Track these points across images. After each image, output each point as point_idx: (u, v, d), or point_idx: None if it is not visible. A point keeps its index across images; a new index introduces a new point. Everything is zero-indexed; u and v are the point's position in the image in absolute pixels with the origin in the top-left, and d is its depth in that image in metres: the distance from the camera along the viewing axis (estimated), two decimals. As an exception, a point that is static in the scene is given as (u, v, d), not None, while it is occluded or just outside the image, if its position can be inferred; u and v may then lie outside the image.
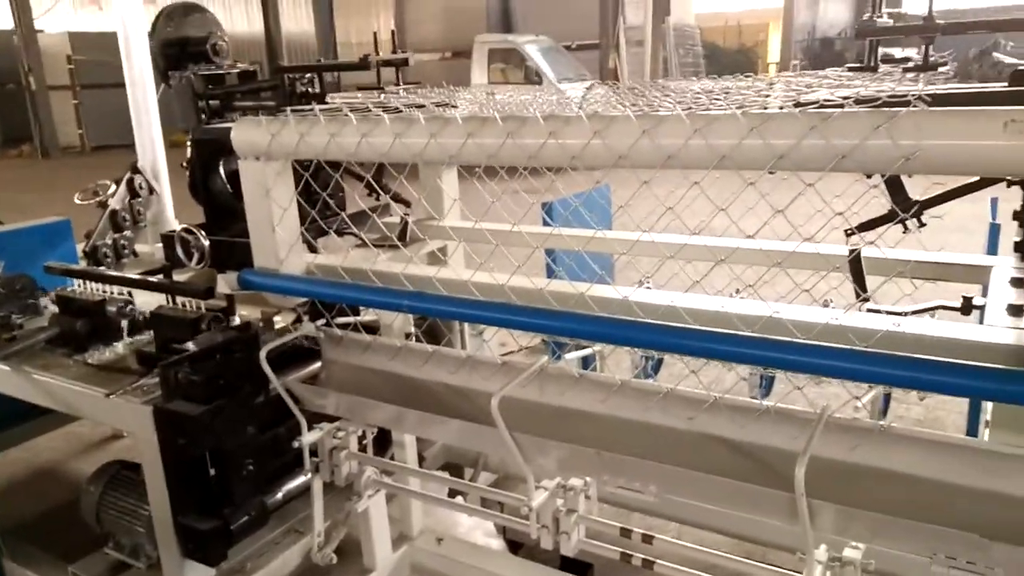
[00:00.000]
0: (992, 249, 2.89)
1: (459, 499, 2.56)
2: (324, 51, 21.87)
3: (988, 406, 2.70)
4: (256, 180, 2.29)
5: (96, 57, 19.89)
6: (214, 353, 2.25)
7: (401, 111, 2.17)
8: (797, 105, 1.54)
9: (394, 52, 2.61)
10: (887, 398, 2.46)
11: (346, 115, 2.10)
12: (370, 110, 2.17)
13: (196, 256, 2.71)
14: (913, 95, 1.45)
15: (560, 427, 1.95)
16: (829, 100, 1.51)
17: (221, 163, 2.85)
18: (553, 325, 1.81)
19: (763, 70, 24.99)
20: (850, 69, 1.81)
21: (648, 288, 3.35)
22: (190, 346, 2.29)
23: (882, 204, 1.93)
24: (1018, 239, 1.78)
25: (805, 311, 1.68)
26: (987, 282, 2.01)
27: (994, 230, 2.90)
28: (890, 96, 1.48)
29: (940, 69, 1.73)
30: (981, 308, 1.83)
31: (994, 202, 3.32)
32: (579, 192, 3.80)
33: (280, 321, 2.65)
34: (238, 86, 2.88)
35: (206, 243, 2.70)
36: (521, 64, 15.07)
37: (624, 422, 1.88)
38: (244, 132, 2.28)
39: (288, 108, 2.28)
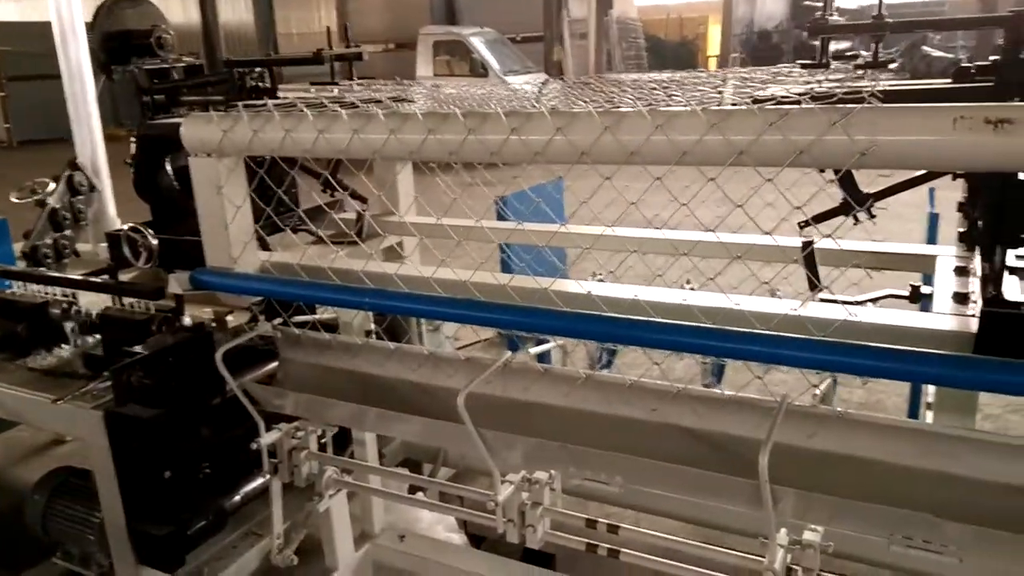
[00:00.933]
0: (932, 238, 3.00)
1: (421, 495, 2.56)
2: (264, 43, 21.43)
3: (929, 389, 2.82)
4: (207, 177, 2.24)
5: (21, 48, 19.08)
6: (167, 355, 2.19)
7: (358, 106, 2.15)
8: (755, 101, 1.57)
9: (347, 46, 2.58)
10: (833, 383, 2.54)
11: (301, 111, 2.06)
12: (325, 105, 2.15)
13: (144, 255, 2.63)
14: (867, 92, 1.50)
15: (525, 421, 1.96)
16: (786, 96, 1.55)
17: (168, 159, 2.78)
18: (519, 320, 1.81)
19: (704, 63, 25.40)
20: (803, 66, 1.86)
21: (602, 281, 3.40)
22: (141, 348, 2.23)
23: (832, 196, 1.99)
24: (962, 229, 1.85)
25: (765, 303, 1.72)
26: (932, 271, 2.09)
27: (933, 219, 3.01)
28: (845, 93, 1.52)
29: (890, 66, 1.80)
30: (928, 296, 1.89)
31: (931, 192, 3.45)
32: (533, 186, 3.83)
33: (233, 321, 2.60)
34: (185, 80, 2.80)
35: (154, 242, 2.62)
36: (467, 56, 15.01)
37: (588, 415, 1.90)
38: (194, 128, 2.22)
39: (240, 103, 2.23)
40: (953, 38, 24.65)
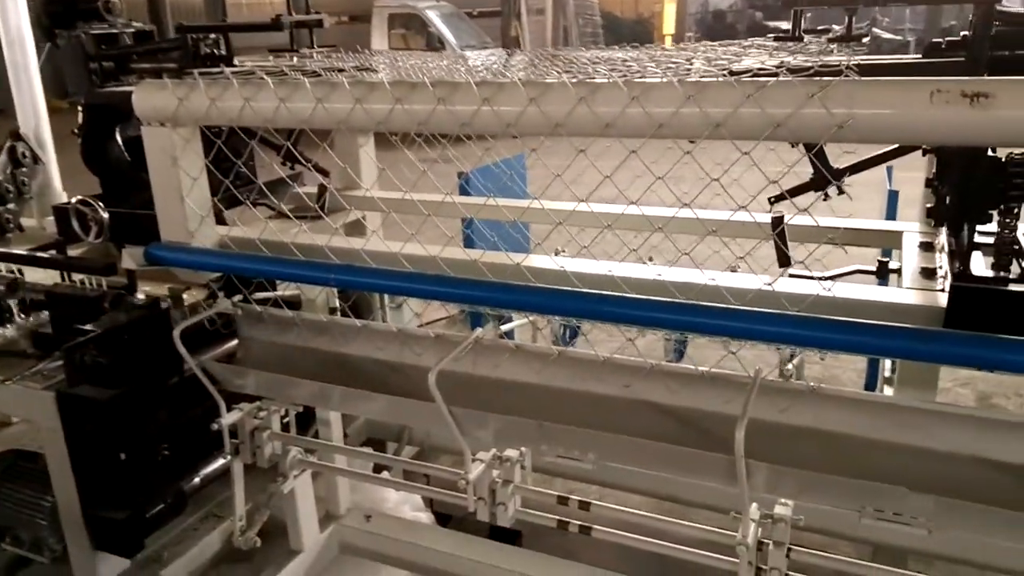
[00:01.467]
0: (891, 216, 3.03)
1: (387, 475, 2.52)
2: (212, 12, 20.74)
3: (886, 364, 2.87)
4: (162, 148, 2.14)
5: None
6: (122, 333, 2.11)
7: (320, 75, 2.07)
8: (732, 74, 1.55)
9: (307, 12, 2.48)
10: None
11: (261, 78, 1.98)
12: (286, 74, 2.07)
13: (94, 230, 2.52)
14: (844, 65, 1.49)
15: (496, 399, 1.93)
16: (763, 69, 1.53)
17: (118, 129, 2.66)
18: (492, 296, 1.78)
19: (659, 41, 25.46)
20: (776, 38, 1.84)
21: (564, 255, 3.38)
22: (94, 327, 2.14)
23: (797, 175, 1.98)
24: (930, 205, 1.87)
25: (738, 278, 1.71)
26: (898, 246, 2.12)
27: (893, 197, 3.05)
28: (822, 66, 1.51)
29: (863, 40, 1.79)
30: (896, 271, 1.91)
31: (889, 170, 3.49)
32: (496, 161, 3.77)
33: (190, 298, 2.51)
34: (135, 47, 2.68)
35: (105, 215, 2.51)
36: (423, 30, 14.78)
37: (561, 392, 1.88)
38: (147, 96, 2.12)
39: (195, 71, 2.14)
40: (902, 20, 25.13)
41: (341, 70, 2.35)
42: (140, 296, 2.42)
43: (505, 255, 1.92)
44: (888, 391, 2.65)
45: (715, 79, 1.54)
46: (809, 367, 4.62)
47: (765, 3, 30.75)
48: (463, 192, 3.78)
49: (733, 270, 2.80)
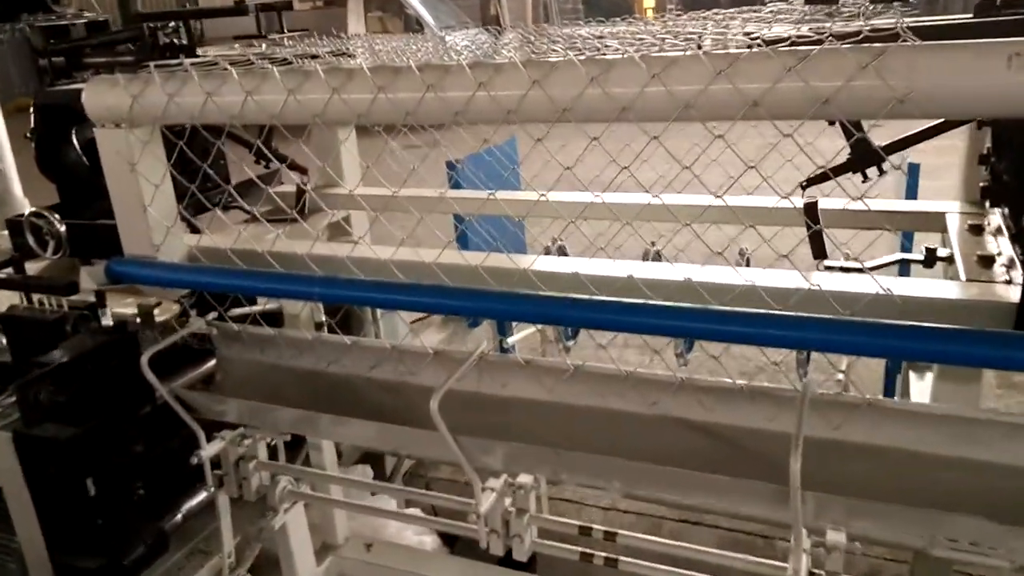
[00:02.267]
0: (912, 192, 2.82)
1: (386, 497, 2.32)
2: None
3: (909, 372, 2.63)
4: (117, 152, 1.91)
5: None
6: (84, 363, 1.89)
7: (291, 63, 1.85)
8: (767, 43, 1.33)
9: (275, -5, 2.25)
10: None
11: (225, 69, 1.75)
12: (252, 63, 1.84)
13: (51, 244, 2.29)
14: (899, 27, 1.28)
15: (504, 420, 1.73)
16: (802, 37, 1.32)
17: (74, 131, 2.43)
18: (498, 308, 1.57)
19: (640, 13, 25.10)
20: (807, 2, 1.63)
21: (562, 247, 3.16)
22: (55, 355, 1.91)
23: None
24: (984, 184, 1.67)
25: (777, 276, 1.51)
26: (940, 229, 1.92)
27: (913, 171, 2.84)
28: (872, 31, 1.30)
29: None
30: (946, 259, 1.71)
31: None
32: (487, 148, 3.54)
33: (161, 314, 2.29)
34: (87, 39, 2.43)
35: (62, 228, 2.28)
36: (400, 12, 14.39)
37: (579, 410, 1.68)
38: (98, 94, 1.89)
39: (151, 63, 1.90)
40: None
41: (315, 56, 2.13)
42: (107, 317, 2.20)
43: (509, 258, 1.71)
44: (918, 392, 2.44)
45: (748, 50, 1.32)
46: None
47: (746, -30, 30.48)
48: (454, 183, 3.56)
49: (741, 254, 2.60)
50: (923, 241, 2.14)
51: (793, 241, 1.69)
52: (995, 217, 1.75)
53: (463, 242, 3.36)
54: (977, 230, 1.79)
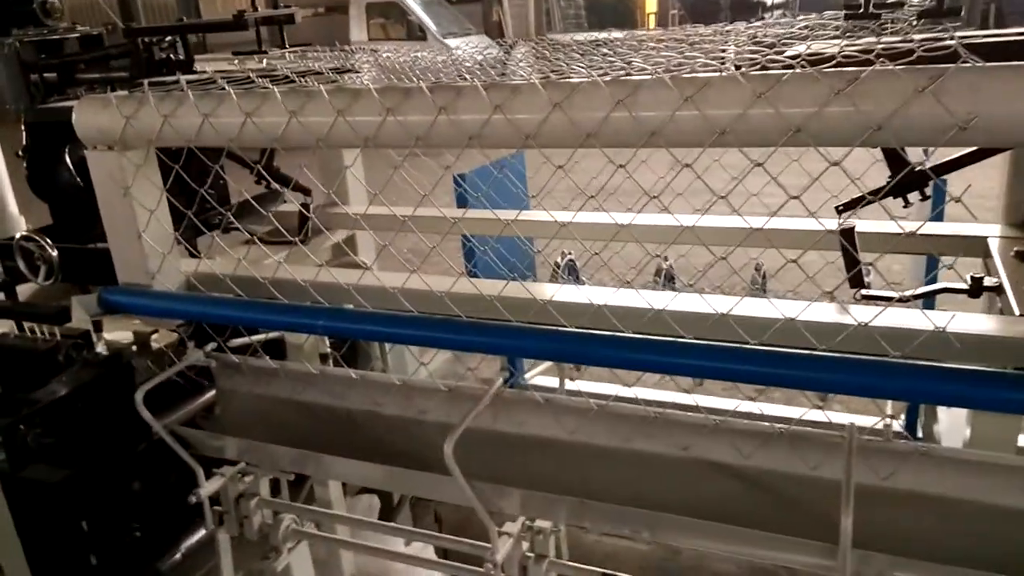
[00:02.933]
0: (938, 214, 2.70)
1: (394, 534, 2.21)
2: (185, 8, 20.19)
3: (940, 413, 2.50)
4: (110, 175, 1.81)
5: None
6: (76, 400, 1.78)
7: (293, 81, 1.74)
8: (812, 63, 1.23)
9: (275, 6, 2.14)
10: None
11: (223, 88, 1.65)
12: (253, 80, 1.74)
13: (43, 270, 2.18)
14: (958, 45, 1.17)
15: (522, 460, 1.62)
16: (851, 56, 1.21)
17: (67, 150, 2.33)
18: (515, 345, 1.47)
19: (643, 21, 25.01)
20: (847, 16, 1.52)
21: (572, 263, 3.04)
22: (45, 392, 1.81)
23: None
24: (1034, 208, 1.57)
25: (818, 311, 1.40)
26: (981, 255, 1.81)
27: (939, 192, 2.70)
28: (924, 49, 1.19)
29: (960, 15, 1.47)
30: (993, 289, 1.60)
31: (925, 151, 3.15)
32: (495, 161, 3.44)
33: (159, 342, 2.18)
34: (80, 54, 2.33)
35: (54, 253, 2.18)
36: (402, 19, 14.30)
37: (602, 450, 1.57)
38: (89, 114, 1.79)
39: (146, 80, 1.80)
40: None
41: (317, 74, 2.03)
42: (101, 345, 2.09)
43: (525, 287, 1.60)
44: (946, 419, 2.32)
45: (790, 71, 1.21)
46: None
47: (748, -24, 30.38)
48: (460, 197, 3.45)
49: (757, 269, 2.48)
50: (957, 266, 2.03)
51: (819, 264, 1.59)
52: (1045, 243, 1.64)
53: (470, 256, 3.27)
54: (1024, 257, 1.68)
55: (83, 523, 1.77)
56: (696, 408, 1.50)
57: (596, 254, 1.61)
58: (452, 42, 13.16)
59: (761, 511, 1.40)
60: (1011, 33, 1.38)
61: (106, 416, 1.83)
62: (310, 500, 2.25)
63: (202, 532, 2.09)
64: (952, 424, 2.22)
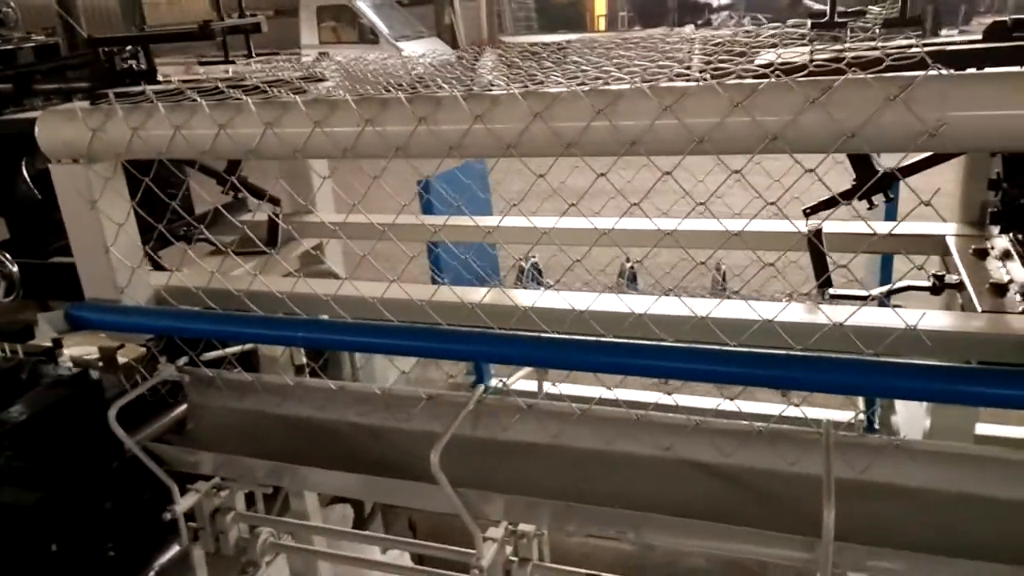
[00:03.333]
0: (892, 213, 2.79)
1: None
2: (130, 14, 19.70)
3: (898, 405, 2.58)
4: (76, 190, 1.77)
5: None
6: (44, 420, 1.74)
7: (264, 91, 1.73)
8: (785, 72, 1.26)
9: (241, 15, 2.12)
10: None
11: (194, 100, 1.63)
12: (223, 91, 1.72)
13: (3, 286, 2.12)
14: (923, 54, 1.22)
15: (506, 465, 1.63)
16: (823, 65, 1.25)
17: (24, 163, 2.27)
18: (496, 352, 1.48)
19: (593, 23, 25.23)
20: (813, 25, 1.57)
21: (536, 266, 3.07)
22: (11, 413, 1.76)
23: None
24: (994, 209, 1.63)
25: (793, 311, 1.45)
26: (941, 253, 1.88)
27: (895, 190, 2.78)
28: (894, 59, 1.24)
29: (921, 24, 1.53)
30: (955, 287, 1.67)
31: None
32: (459, 166, 3.45)
33: (125, 357, 2.14)
34: (37, 64, 2.27)
35: (14, 268, 2.12)
36: (354, 22, 14.19)
37: (584, 453, 1.59)
38: (53, 127, 1.75)
39: (110, 91, 1.77)
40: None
41: (287, 82, 2.01)
42: (67, 361, 2.04)
43: (505, 293, 1.62)
44: (904, 411, 2.40)
45: (766, 81, 1.25)
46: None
47: (693, -22, 30.86)
48: (425, 202, 3.45)
49: (718, 269, 2.53)
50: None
51: (779, 264, 1.63)
52: (1001, 241, 1.71)
53: (436, 260, 3.28)
54: (981, 254, 1.75)
55: (56, 545, 1.73)
56: (676, 408, 1.53)
57: (580, 260, 1.64)
58: (405, 45, 13.12)
59: (742, 507, 1.43)
60: (968, 41, 1.44)
61: (76, 436, 1.79)
62: (284, 513, 2.23)
63: (176, 549, 2.06)
64: (911, 416, 2.29)
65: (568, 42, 2.40)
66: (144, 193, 1.83)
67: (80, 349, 2.16)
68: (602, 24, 24.99)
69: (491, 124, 1.39)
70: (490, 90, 1.48)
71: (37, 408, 1.74)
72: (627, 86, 1.34)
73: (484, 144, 1.41)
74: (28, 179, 2.25)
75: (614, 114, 1.31)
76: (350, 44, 13.74)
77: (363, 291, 1.70)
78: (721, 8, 29.89)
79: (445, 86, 1.54)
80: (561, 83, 1.45)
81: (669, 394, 1.52)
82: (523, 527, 1.64)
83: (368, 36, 13.90)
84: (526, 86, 1.45)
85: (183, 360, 1.94)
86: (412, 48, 12.85)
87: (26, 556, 1.70)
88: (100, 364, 2.06)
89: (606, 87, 1.36)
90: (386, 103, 1.48)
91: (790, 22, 1.72)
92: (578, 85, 1.39)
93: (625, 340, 1.41)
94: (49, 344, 2.05)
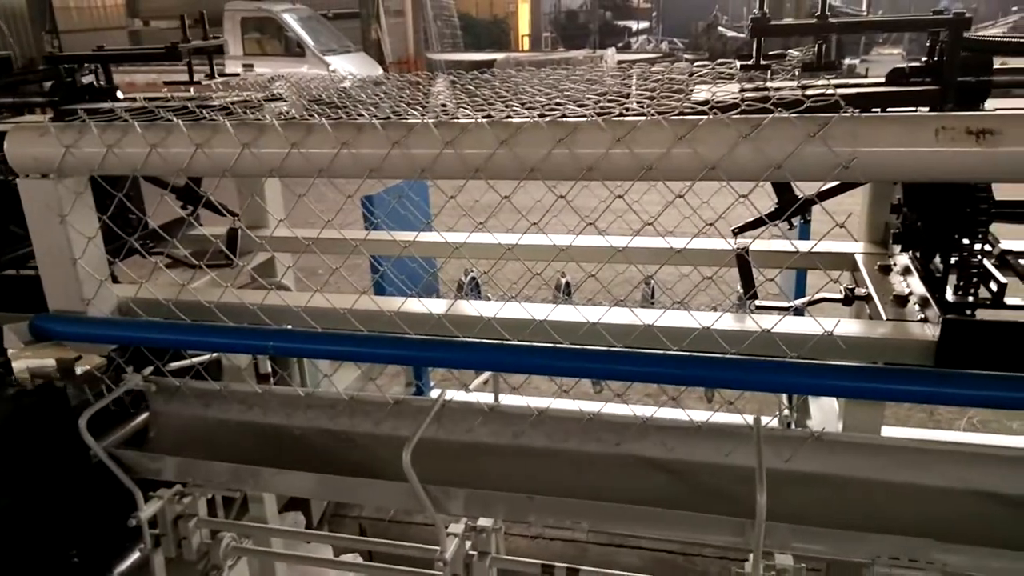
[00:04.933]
0: (805, 232, 3.05)
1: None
2: (40, 21, 18.93)
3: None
4: (45, 204, 1.81)
5: None
6: (12, 428, 1.77)
7: (234, 112, 1.82)
8: (721, 109, 1.45)
9: (204, 37, 2.19)
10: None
11: (169, 120, 1.71)
12: (192, 111, 1.80)
13: (-44, 298, 2.12)
14: (838, 97, 1.42)
15: (469, 465, 1.76)
16: (754, 103, 1.44)
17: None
18: (471, 358, 1.61)
19: (517, 41, 25.67)
20: (742, 67, 1.77)
21: (475, 280, 3.21)
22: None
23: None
24: (896, 230, 1.86)
25: (727, 320, 1.63)
26: (847, 268, 2.11)
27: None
28: (814, 101, 1.44)
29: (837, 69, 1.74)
30: (863, 299, 1.89)
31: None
32: (397, 184, 3.56)
33: (83, 368, 2.16)
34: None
35: (-31, 280, 2.13)
36: (279, 34, 14.09)
37: (542, 451, 1.73)
38: (23, 143, 1.79)
39: (79, 107, 1.83)
40: (740, 18, 26.57)
41: (245, 101, 2.10)
42: (22, 370, 2.06)
43: (471, 304, 1.75)
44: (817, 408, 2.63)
45: (706, 116, 1.43)
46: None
47: (614, 3, 31.80)
48: (368, 215, 3.55)
49: (647, 283, 2.72)
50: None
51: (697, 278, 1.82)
52: (902, 258, 1.95)
53: (375, 268, 3.37)
54: (885, 270, 1.98)
55: (18, 556, 1.76)
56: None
57: (539, 274, 1.78)
58: (331, 59, 13.10)
59: (682, 494, 1.60)
60: (872, 84, 1.66)
61: (41, 445, 1.82)
62: (242, 518, 2.29)
63: (136, 555, 2.09)
64: (824, 420, 2.53)
65: (495, 61, 2.55)
66: (100, 208, 1.88)
67: (27, 362, 2.18)
68: (526, 44, 25.47)
69: (460, 150, 1.53)
70: (456, 118, 1.61)
71: (4, 416, 1.77)
72: (584, 119, 1.50)
73: (451, 167, 1.55)
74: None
75: (573, 143, 1.47)
76: (276, 57, 13.64)
77: (334, 304, 1.80)
78: (640, 32, 30.89)
79: (415, 113, 1.67)
80: (524, 114, 1.59)
81: (620, 394, 1.67)
82: (482, 523, 1.76)
83: (294, 49, 13.83)
84: (490, 115, 1.59)
85: (149, 370, 1.99)
86: (338, 63, 12.85)
87: (-5, 563, 1.73)
88: (58, 374, 2.09)
89: (565, 119, 1.52)
90: (360, 128, 1.59)
91: (718, 62, 1.92)
92: (539, 117, 1.54)
93: (589, 347, 1.56)
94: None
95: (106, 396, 1.87)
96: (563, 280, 2.90)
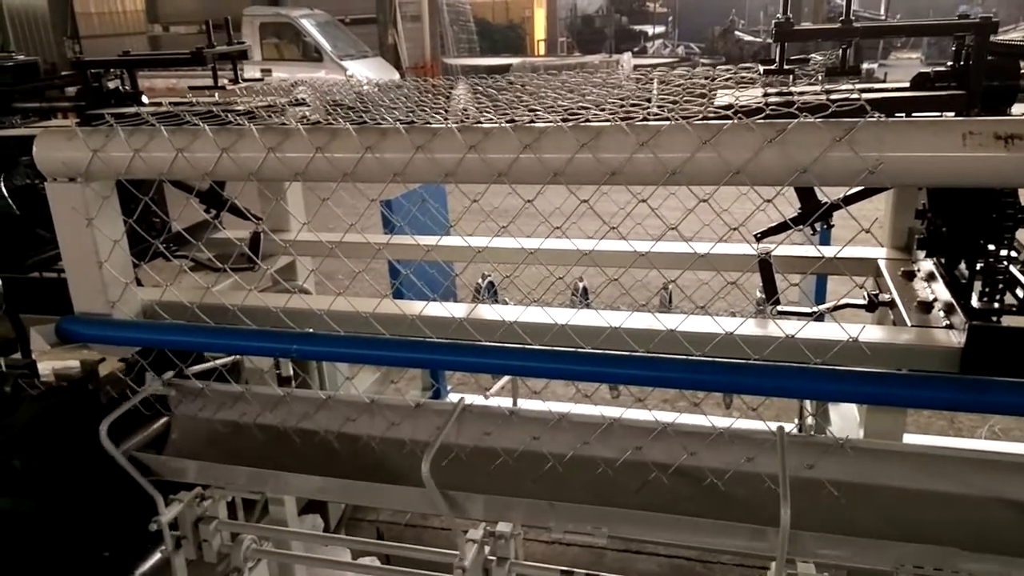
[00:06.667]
0: (825, 237, 3.03)
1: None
2: (60, 26, 19.17)
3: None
4: (72, 207, 1.83)
5: None
6: (37, 430, 1.79)
7: (255, 115, 1.84)
8: (746, 114, 1.44)
9: (229, 42, 2.21)
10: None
11: (196, 124, 1.72)
12: (218, 115, 1.82)
13: (-16, 300, 2.15)
14: (864, 102, 1.42)
15: (488, 470, 1.76)
16: (779, 108, 1.43)
17: (2, 178, 2.30)
18: (499, 364, 1.61)
19: (532, 46, 25.70)
20: (765, 72, 1.76)
21: (492, 283, 3.22)
22: (13, 421, 1.80)
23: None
24: (920, 236, 1.84)
25: (750, 326, 1.62)
26: (871, 275, 2.09)
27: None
28: (839, 105, 1.43)
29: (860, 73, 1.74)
30: (887, 304, 1.87)
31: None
32: (416, 188, 3.57)
33: (107, 370, 2.19)
34: (14, 84, 2.31)
35: (-3, 283, 2.15)
36: (297, 39, 14.19)
37: (562, 457, 1.72)
38: (52, 147, 1.81)
39: (107, 111, 1.85)
40: (757, 23, 26.50)
41: (270, 106, 2.11)
42: (48, 372, 2.09)
43: (491, 309, 1.75)
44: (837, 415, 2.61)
45: (731, 121, 1.42)
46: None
47: (630, 8, 31.76)
48: (386, 219, 3.56)
49: (665, 288, 2.72)
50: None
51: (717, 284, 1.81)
52: (926, 264, 1.93)
53: (395, 275, 3.37)
54: (909, 276, 1.97)
55: (49, 554, 1.78)
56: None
57: (561, 278, 1.79)
58: (349, 64, 13.18)
59: (702, 501, 1.59)
60: (897, 88, 1.65)
61: (69, 445, 1.84)
62: (263, 520, 2.30)
63: (158, 556, 2.11)
64: (845, 427, 2.51)
65: (511, 66, 2.56)
66: (126, 212, 1.90)
67: (52, 363, 2.21)
68: (542, 48, 25.49)
69: (484, 154, 1.53)
70: (479, 123, 1.61)
71: (33, 417, 1.79)
72: (608, 123, 1.50)
73: (476, 171, 1.55)
74: (6, 195, 2.28)
75: (597, 147, 1.47)
76: (293, 62, 13.72)
77: (356, 307, 1.80)
78: (656, 36, 30.83)
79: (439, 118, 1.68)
80: (546, 118, 1.60)
81: (642, 399, 1.66)
82: (500, 528, 1.76)
83: (312, 54, 13.92)
84: (513, 120, 1.59)
85: (170, 374, 2.00)
86: (356, 68, 12.93)
87: (21, 563, 1.74)
88: (82, 376, 2.12)
89: (589, 123, 1.52)
90: (384, 133, 1.60)
91: (740, 66, 1.92)
92: (561, 120, 1.54)
93: (612, 352, 1.56)
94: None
95: (128, 400, 1.89)
96: (580, 284, 2.91)
